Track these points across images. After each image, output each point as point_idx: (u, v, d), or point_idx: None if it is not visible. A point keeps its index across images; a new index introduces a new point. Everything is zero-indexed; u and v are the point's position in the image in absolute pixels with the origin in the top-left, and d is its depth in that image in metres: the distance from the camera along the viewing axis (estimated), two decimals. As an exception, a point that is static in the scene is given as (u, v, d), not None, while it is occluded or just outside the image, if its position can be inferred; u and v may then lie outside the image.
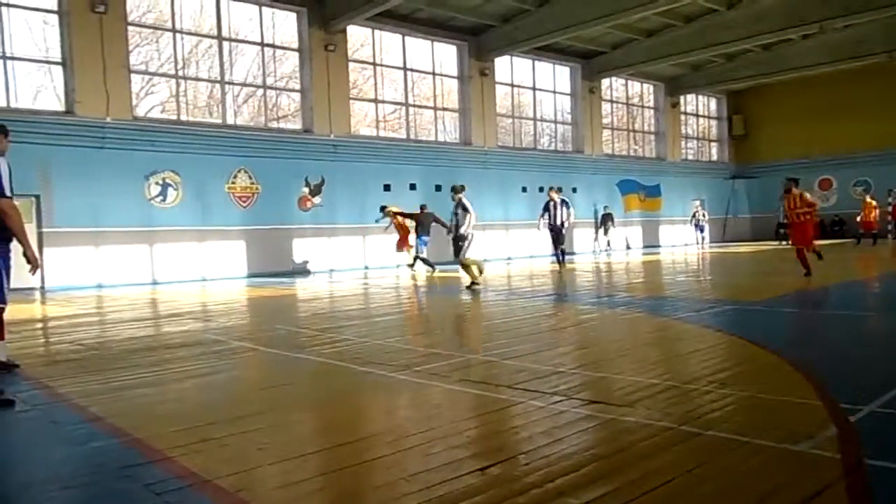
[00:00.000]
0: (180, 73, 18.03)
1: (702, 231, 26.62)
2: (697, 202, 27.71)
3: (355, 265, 19.86)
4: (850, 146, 29.79)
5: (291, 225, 18.84)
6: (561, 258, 15.89)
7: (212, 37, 18.49)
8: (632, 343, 6.30)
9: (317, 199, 19.34)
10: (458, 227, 12.06)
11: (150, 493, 2.70)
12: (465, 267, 11.98)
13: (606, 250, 25.90)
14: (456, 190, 12.52)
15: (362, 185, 20.07)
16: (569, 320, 8.08)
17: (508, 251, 23.58)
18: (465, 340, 6.54)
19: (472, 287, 11.63)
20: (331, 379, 5.04)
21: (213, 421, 3.80)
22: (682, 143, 32.32)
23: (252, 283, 15.73)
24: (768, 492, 2.53)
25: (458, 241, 12.07)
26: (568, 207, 15.69)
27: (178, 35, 17.73)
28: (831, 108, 29.76)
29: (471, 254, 12.12)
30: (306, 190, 19.15)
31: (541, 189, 24.85)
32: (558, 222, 15.48)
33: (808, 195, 12.03)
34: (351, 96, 20.72)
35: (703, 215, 26.30)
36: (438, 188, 21.93)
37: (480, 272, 12.05)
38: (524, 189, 24.39)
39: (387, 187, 20.62)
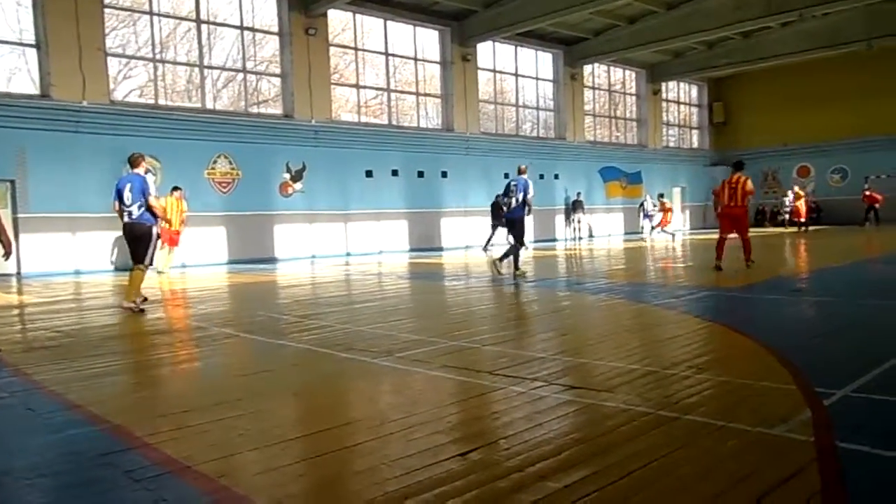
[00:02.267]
0: (158, 56, 17.76)
1: (650, 220, 25.33)
2: (647, 195, 26.61)
3: (337, 251, 19.79)
4: (828, 134, 30.13)
5: (272, 211, 18.71)
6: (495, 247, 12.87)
7: (190, 20, 18.22)
8: (611, 329, 6.36)
9: (298, 185, 19.21)
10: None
11: (129, 480, 2.69)
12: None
13: (574, 238, 25.91)
14: (520, 171, 11.60)
15: (344, 171, 19.97)
16: (549, 306, 8.12)
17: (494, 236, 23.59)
18: (448, 327, 6.56)
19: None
20: (312, 365, 5.03)
21: (193, 408, 3.78)
22: (664, 130, 32.49)
23: (233, 269, 15.63)
24: (744, 474, 2.57)
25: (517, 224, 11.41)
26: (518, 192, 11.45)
27: (155, 17, 17.44)
28: (809, 97, 30.05)
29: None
30: (287, 176, 19.01)
31: (523, 175, 24.91)
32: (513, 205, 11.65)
33: (750, 183, 11.53)
34: (332, 81, 20.55)
35: (653, 205, 25.21)
36: (421, 174, 21.90)
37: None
38: (506, 175, 24.35)
39: (369, 173, 20.55)
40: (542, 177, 25.50)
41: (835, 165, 30.72)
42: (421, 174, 21.94)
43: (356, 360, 4.98)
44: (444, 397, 4.02)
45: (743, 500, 2.36)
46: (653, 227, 24.26)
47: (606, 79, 30.10)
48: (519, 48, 25.70)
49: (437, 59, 23.26)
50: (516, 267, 11.34)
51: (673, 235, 23.21)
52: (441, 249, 21.73)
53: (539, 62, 26.79)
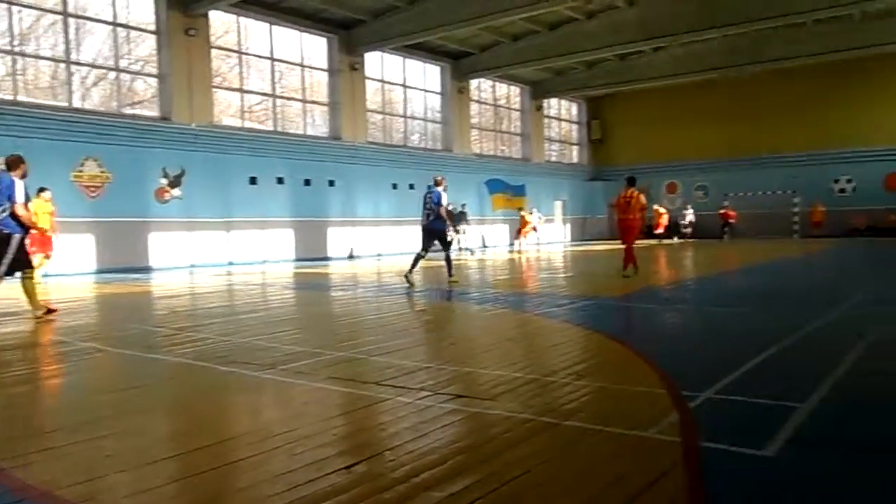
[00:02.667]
0: (17, 48, 16.44)
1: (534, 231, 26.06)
2: (525, 208, 27.32)
3: (218, 261, 19.02)
4: (693, 153, 32.36)
5: (147, 218, 17.72)
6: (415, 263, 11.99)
7: (56, 12, 17.01)
8: (496, 339, 6.49)
9: (176, 191, 18.32)
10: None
11: (-23, 512, 2.45)
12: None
13: (458, 249, 25.97)
14: (436, 182, 11.93)
15: (226, 178, 19.26)
16: (438, 316, 8.19)
17: (379, 248, 23.54)
18: (333, 337, 6.46)
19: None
20: (188, 380, 4.80)
21: (55, 428, 3.51)
22: (546, 145, 33.72)
23: (102, 279, 14.65)
24: (618, 476, 2.70)
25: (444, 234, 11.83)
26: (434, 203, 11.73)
27: (14, 7, 16.16)
28: (678, 117, 32.20)
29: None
30: (164, 181, 18.09)
31: (411, 186, 25.02)
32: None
33: (643, 197, 12.28)
34: (214, 84, 19.83)
35: (538, 218, 26.00)
36: (307, 182, 21.51)
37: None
38: (394, 186, 24.45)
39: (252, 180, 19.94)
40: (430, 188, 25.72)
41: (699, 183, 33.02)
42: (307, 182, 21.54)
43: (237, 374, 4.80)
44: (329, 409, 3.96)
45: (617, 501, 2.47)
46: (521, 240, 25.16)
47: (492, 93, 30.89)
48: (407, 60, 25.89)
49: (325, 66, 23.00)
50: (410, 271, 11.55)
51: (538, 246, 24.19)
52: (328, 259, 21.42)
53: (427, 74, 27.10)
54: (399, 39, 22.80)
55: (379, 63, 24.87)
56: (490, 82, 30.28)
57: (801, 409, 3.55)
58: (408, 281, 11.31)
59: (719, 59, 26.58)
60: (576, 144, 36.36)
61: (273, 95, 21.67)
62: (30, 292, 7.71)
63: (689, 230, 30.32)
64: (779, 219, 30.14)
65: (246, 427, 3.66)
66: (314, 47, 22.77)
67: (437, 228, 11.62)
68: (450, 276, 11.61)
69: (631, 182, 12.48)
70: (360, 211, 23.01)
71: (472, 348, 5.95)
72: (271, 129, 21.54)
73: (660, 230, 28.75)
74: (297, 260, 20.71)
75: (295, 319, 8.29)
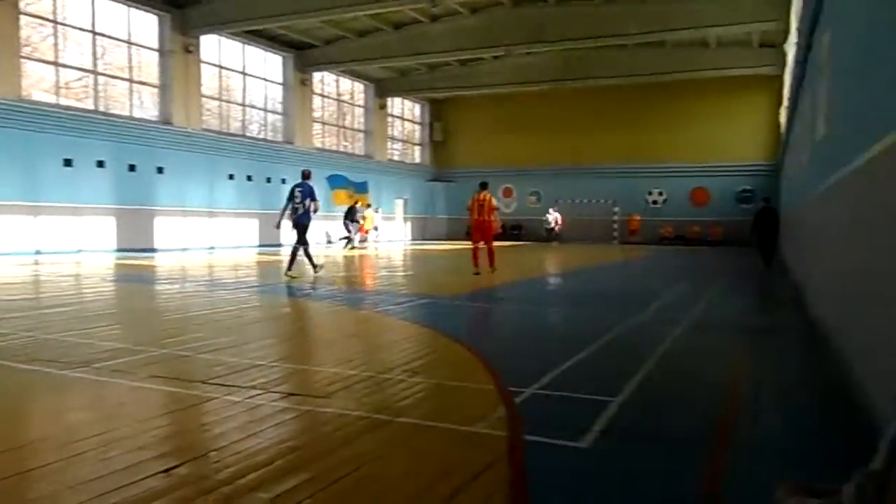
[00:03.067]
0: None
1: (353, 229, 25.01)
2: (360, 203, 26.26)
3: (23, 249, 17.12)
4: (528, 160, 34.04)
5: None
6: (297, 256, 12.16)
7: None
8: (333, 335, 6.42)
9: (-26, 170, 16.28)
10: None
11: None
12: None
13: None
14: (305, 175, 12.08)
15: (35, 158, 17.40)
16: (271, 313, 7.95)
17: (213, 240, 22.43)
18: (157, 334, 6.05)
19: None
20: (-18, 381, 4.28)
21: None
22: (389, 143, 33.91)
23: None
24: (447, 470, 2.76)
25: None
26: (305, 197, 11.86)
27: None
28: (514, 125, 33.71)
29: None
30: (-41, 158, 16.01)
31: (249, 178, 24.10)
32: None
33: (494, 200, 13.20)
34: (22, 54, 17.86)
35: (363, 217, 25.66)
36: (132, 168, 20.02)
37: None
38: (231, 176, 23.42)
39: (67, 162, 18.19)
40: (269, 180, 24.94)
41: (532, 189, 34.78)
42: (133, 168, 20.04)
43: (41, 373, 4.36)
44: (149, 410, 3.70)
45: (444, 494, 2.53)
46: (349, 238, 25.03)
47: (336, 88, 30.53)
48: (247, 46, 24.89)
49: (156, 46, 21.52)
50: (289, 268, 11.65)
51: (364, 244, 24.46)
52: (155, 251, 20.06)
53: (268, 63, 26.24)
54: (237, 24, 21.93)
55: (216, 47, 23.70)
56: (334, 77, 29.91)
57: (613, 402, 3.84)
58: (290, 278, 11.38)
59: (552, 72, 28.25)
60: (418, 145, 36.90)
61: (94, 72, 19.92)
62: None
63: (554, 231, 31.34)
64: (601, 225, 32.53)
65: (48, 431, 3.32)
66: (144, 25, 21.24)
67: (302, 223, 11.81)
68: (288, 269, 11.63)
69: (483, 186, 13.31)
70: (192, 201, 21.79)
71: (307, 345, 5.84)
72: (92, 107, 19.77)
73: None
74: (120, 250, 19.21)
75: (113, 314, 7.67)
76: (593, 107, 31.89)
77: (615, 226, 32.61)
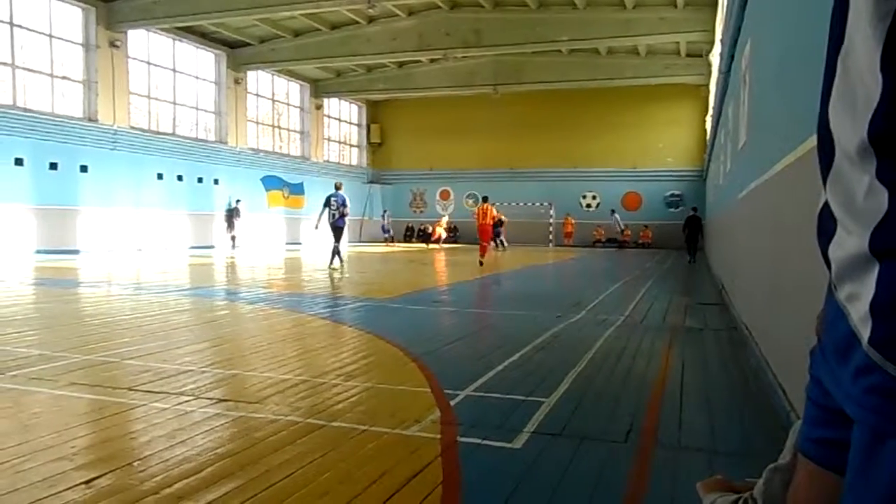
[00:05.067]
0: None
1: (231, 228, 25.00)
2: (235, 200, 25.52)
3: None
4: (465, 163, 34.30)
5: None
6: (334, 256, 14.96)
7: None
8: (266, 339, 6.31)
9: None
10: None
11: None
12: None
13: (233, 246, 24.86)
14: (337, 187, 15.02)
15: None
16: (202, 317, 7.75)
17: (140, 241, 21.69)
18: (80, 339, 5.81)
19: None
20: None
21: None
22: (326, 144, 33.54)
23: None
24: (380, 474, 2.76)
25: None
26: (340, 205, 14.77)
27: None
28: (451, 128, 33.92)
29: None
30: None
31: (179, 178, 23.43)
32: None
33: (494, 210, 18.05)
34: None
35: (238, 211, 24.99)
36: (54, 166, 19.18)
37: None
38: (160, 176, 22.71)
39: (-18, 160, 17.30)
40: (200, 180, 24.32)
41: (469, 191, 35.03)
42: (54, 166, 19.21)
43: (-48, 384, 4.12)
44: (69, 419, 3.55)
45: (378, 498, 2.53)
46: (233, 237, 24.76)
47: (271, 88, 30.01)
48: (178, 42, 24.21)
49: (80, 40, 20.69)
50: (341, 261, 14.80)
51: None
52: (78, 252, 19.26)
53: (200, 61, 25.58)
54: (167, 20, 21.28)
55: (145, 43, 22.97)
56: (269, 76, 29.40)
57: (545, 403, 3.91)
58: (334, 270, 14.06)
59: (488, 76, 28.53)
60: (355, 146, 36.64)
61: (13, 66, 18.98)
62: None
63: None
64: (537, 228, 33.04)
65: (-39, 445, 3.15)
66: (67, 18, 20.39)
67: (339, 226, 14.74)
68: (333, 265, 14.56)
69: (485, 199, 18.52)
70: (118, 201, 21.03)
71: (239, 349, 5.72)
72: (10, 102, 18.84)
73: (435, 237, 30.73)
74: (41, 252, 18.37)
75: (31, 318, 7.33)
76: (529, 111, 32.38)
77: (550, 228, 33.18)
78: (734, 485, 1.59)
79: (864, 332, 0.64)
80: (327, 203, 14.57)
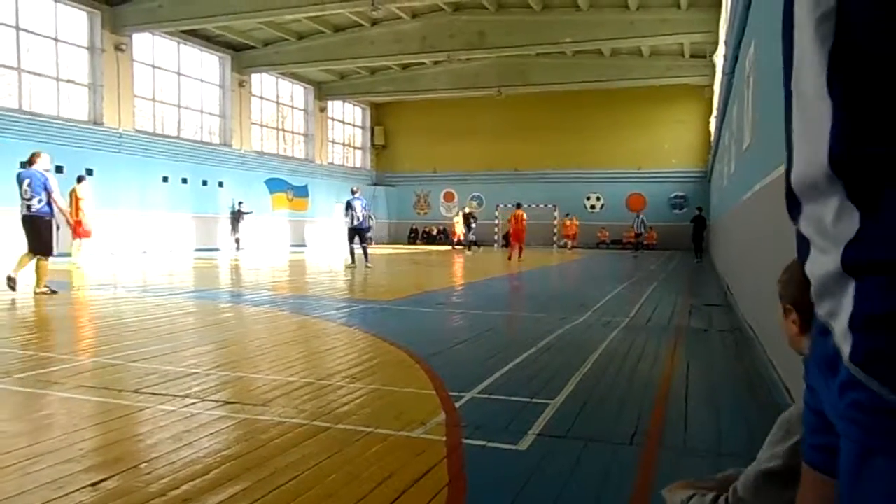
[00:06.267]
0: None
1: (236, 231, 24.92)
2: (237, 202, 25.48)
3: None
4: (469, 165, 34.31)
5: None
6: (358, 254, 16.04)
7: None
8: (271, 342, 6.32)
9: None
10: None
11: None
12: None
13: (238, 248, 24.84)
14: (354, 192, 15.94)
15: (-45, 159, 16.56)
16: (208, 319, 7.77)
17: (145, 243, 21.75)
18: (87, 342, 5.84)
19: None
20: None
21: None
22: (330, 147, 33.60)
23: None
24: (386, 476, 2.77)
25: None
26: (362, 209, 15.78)
27: None
28: (455, 130, 33.93)
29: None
30: None
31: (184, 180, 23.50)
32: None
33: (525, 215, 20.39)
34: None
35: (241, 214, 24.94)
36: (59, 170, 19.21)
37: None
38: (165, 178, 22.78)
39: (-12, 163, 17.35)
40: (205, 183, 24.38)
41: (473, 193, 35.04)
42: (59, 169, 19.22)
43: (-40, 387, 4.15)
44: (77, 421, 3.57)
45: (383, 500, 2.53)
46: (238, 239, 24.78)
47: (275, 91, 30.08)
48: (183, 46, 24.30)
49: (85, 44, 20.78)
50: (366, 261, 15.33)
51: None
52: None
53: (205, 64, 25.66)
54: (172, 24, 21.37)
55: (150, 46, 23.05)
56: (273, 79, 29.47)
57: (550, 405, 3.91)
58: (354, 264, 15.34)
59: (492, 78, 28.52)
60: (359, 148, 36.69)
61: (19, 70, 19.08)
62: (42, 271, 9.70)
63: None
64: (542, 229, 33.00)
65: (-31, 447, 3.17)
66: (73, 21, 20.47)
67: (366, 227, 15.93)
68: (367, 263, 15.21)
69: (518, 206, 21.03)
70: (123, 203, 21.09)
71: (244, 352, 5.73)
72: (16, 106, 18.93)
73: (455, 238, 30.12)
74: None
75: (35, 322, 7.36)
76: (533, 113, 32.37)
77: (555, 230, 33.15)
78: (696, 483, 1.59)
79: (846, 349, 0.64)
80: (350, 207, 15.42)
